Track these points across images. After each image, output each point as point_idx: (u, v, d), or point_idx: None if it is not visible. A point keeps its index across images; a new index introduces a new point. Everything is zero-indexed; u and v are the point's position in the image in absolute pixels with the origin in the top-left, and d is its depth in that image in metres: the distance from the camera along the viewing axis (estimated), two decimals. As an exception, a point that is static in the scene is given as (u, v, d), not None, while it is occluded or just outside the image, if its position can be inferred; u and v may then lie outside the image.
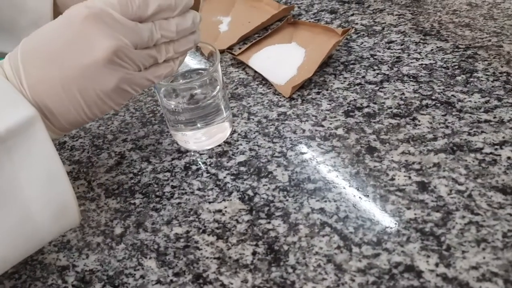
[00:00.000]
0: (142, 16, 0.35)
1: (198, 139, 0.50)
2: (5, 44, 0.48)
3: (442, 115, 0.50)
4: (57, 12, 0.50)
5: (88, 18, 0.33)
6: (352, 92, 0.55)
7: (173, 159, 0.50)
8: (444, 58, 0.58)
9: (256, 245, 0.40)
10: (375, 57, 0.60)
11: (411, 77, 0.56)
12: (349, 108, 0.53)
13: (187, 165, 0.49)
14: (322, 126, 0.51)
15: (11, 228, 0.32)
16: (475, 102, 0.51)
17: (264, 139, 0.51)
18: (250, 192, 0.45)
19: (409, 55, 0.60)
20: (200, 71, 0.53)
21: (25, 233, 0.33)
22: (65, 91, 0.34)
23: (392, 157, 0.46)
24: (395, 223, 0.40)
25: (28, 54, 0.34)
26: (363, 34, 0.65)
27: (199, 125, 0.49)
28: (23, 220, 0.32)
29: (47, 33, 0.34)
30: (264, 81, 0.60)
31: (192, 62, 0.57)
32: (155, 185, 0.48)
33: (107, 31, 0.33)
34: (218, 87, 0.48)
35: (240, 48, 0.67)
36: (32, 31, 0.47)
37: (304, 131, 0.51)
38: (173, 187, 0.47)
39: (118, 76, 0.35)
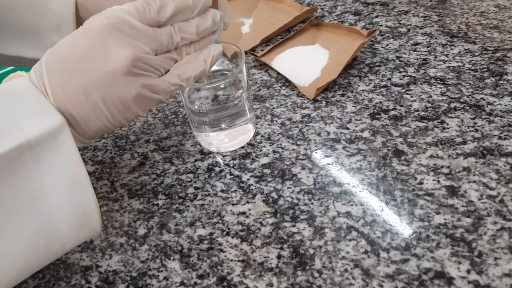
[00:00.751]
0: (160, 20, 0.35)
1: (222, 141, 0.50)
2: (27, 48, 0.49)
3: (471, 118, 0.48)
4: (78, 16, 0.50)
5: (106, 28, 0.33)
6: (378, 95, 0.54)
7: (196, 160, 0.50)
8: (472, 60, 0.57)
9: (281, 248, 0.40)
10: (401, 59, 0.59)
11: (438, 79, 0.55)
12: (375, 110, 0.52)
13: (210, 166, 0.49)
14: (348, 128, 0.50)
15: (35, 233, 0.32)
16: (505, 105, 0.49)
17: (288, 141, 0.50)
18: (274, 195, 0.45)
19: (436, 57, 0.58)
20: (224, 71, 0.53)
21: (47, 239, 0.33)
22: (88, 99, 0.34)
23: (420, 160, 0.45)
24: (424, 228, 0.39)
25: (52, 63, 0.35)
26: (388, 36, 0.64)
27: (223, 126, 0.48)
28: (47, 226, 0.33)
29: (68, 43, 0.35)
30: (287, 83, 0.59)
31: (215, 63, 0.56)
32: (178, 186, 0.47)
33: (126, 40, 0.33)
34: (242, 88, 0.48)
35: (262, 50, 0.66)
36: (53, 35, 0.47)
37: (328, 133, 0.50)
38: (196, 188, 0.47)
39: (139, 83, 0.35)
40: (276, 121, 0.53)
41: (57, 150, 0.32)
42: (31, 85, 0.34)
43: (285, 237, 0.41)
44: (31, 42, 0.49)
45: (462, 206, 0.40)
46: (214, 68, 0.54)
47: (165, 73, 0.37)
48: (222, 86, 0.48)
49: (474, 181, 0.42)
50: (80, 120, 0.35)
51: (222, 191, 0.46)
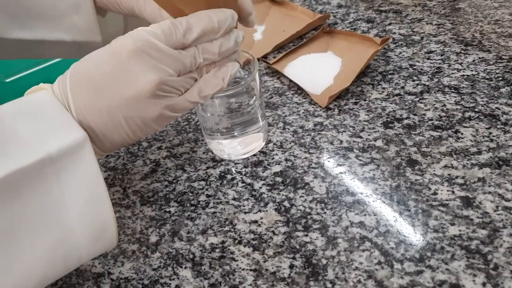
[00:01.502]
0: (185, 43, 0.35)
1: (234, 148, 0.50)
2: (48, 31, 0.48)
3: (486, 128, 0.48)
4: None
5: (134, 52, 0.33)
6: (391, 103, 0.54)
7: (208, 167, 0.50)
8: (486, 69, 0.56)
9: (294, 258, 0.39)
10: (414, 67, 0.59)
11: (452, 88, 0.54)
12: (388, 119, 0.52)
13: (222, 174, 0.49)
14: (360, 137, 0.50)
15: (53, 246, 0.32)
16: (521, 115, 0.49)
17: (300, 150, 0.50)
18: (286, 204, 0.44)
19: (449, 66, 0.58)
20: (237, 79, 0.53)
21: (65, 252, 0.33)
22: (111, 118, 0.35)
23: (434, 170, 0.45)
24: (439, 240, 0.39)
25: (76, 81, 0.35)
26: (401, 44, 0.64)
27: (235, 133, 0.48)
28: (65, 240, 0.33)
29: (94, 62, 0.35)
30: (299, 91, 0.59)
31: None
32: (190, 194, 0.47)
33: (151, 64, 0.34)
34: (255, 95, 0.48)
35: (274, 57, 0.66)
36: (74, 16, 0.46)
37: (341, 142, 0.50)
38: (208, 196, 0.47)
39: (162, 105, 0.35)
40: (289, 129, 0.53)
41: (78, 165, 0.33)
42: (54, 99, 0.34)
43: (298, 247, 0.40)
44: (51, 25, 0.47)
45: (478, 217, 0.40)
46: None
47: (185, 91, 0.37)
48: (235, 93, 0.48)
49: (490, 192, 0.42)
50: (101, 136, 0.36)
51: (234, 199, 0.46)
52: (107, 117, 0.35)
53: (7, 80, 0.68)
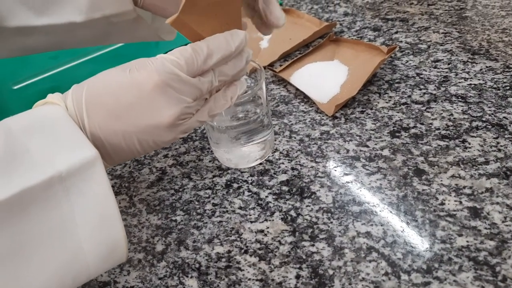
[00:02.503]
0: (205, 69, 0.35)
1: (240, 157, 0.50)
2: (74, 12, 0.45)
3: (494, 138, 0.48)
4: None
5: (158, 86, 0.34)
6: (398, 112, 0.54)
7: (214, 176, 0.50)
8: (494, 78, 0.56)
9: (300, 268, 0.39)
10: (421, 76, 0.59)
11: (459, 97, 0.54)
12: (395, 128, 0.51)
13: (228, 182, 0.49)
14: (367, 146, 0.50)
15: (62, 266, 0.32)
16: (529, 125, 0.48)
17: (306, 158, 0.50)
18: (292, 213, 0.44)
19: (457, 75, 0.58)
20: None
21: (74, 272, 0.33)
22: (125, 140, 0.35)
23: (441, 180, 0.44)
24: (446, 251, 0.38)
25: (93, 103, 0.35)
26: (408, 52, 0.64)
27: (242, 142, 0.48)
28: (74, 259, 0.32)
29: (115, 87, 0.35)
30: (305, 99, 0.59)
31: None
32: (196, 202, 0.47)
33: (175, 97, 0.34)
34: (261, 104, 0.48)
35: (281, 65, 0.67)
36: None
37: (348, 151, 0.50)
38: (214, 204, 0.47)
39: (177, 131, 0.36)
40: (295, 138, 0.53)
41: (89, 183, 0.32)
42: (68, 117, 0.34)
43: (304, 257, 0.40)
44: (77, 4, 0.45)
45: (485, 228, 0.39)
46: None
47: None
48: (241, 102, 0.48)
49: (498, 203, 0.41)
50: (112, 153, 0.36)
51: (240, 208, 0.46)
52: (122, 139, 0.35)
53: (15, 88, 0.68)
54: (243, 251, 0.42)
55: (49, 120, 0.33)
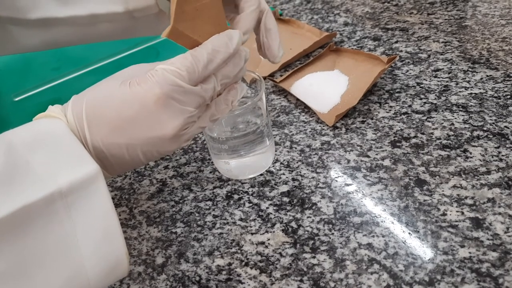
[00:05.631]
0: (206, 74, 0.35)
1: (240, 168, 0.50)
2: (97, 4, 0.45)
3: (495, 147, 0.47)
4: None
5: (160, 100, 0.33)
6: (399, 122, 0.53)
7: (214, 187, 0.50)
8: (495, 87, 0.56)
9: (301, 280, 0.39)
10: (422, 85, 0.59)
11: (460, 106, 0.54)
12: (396, 138, 0.51)
13: (229, 194, 0.49)
14: (368, 156, 0.50)
15: (63, 284, 0.31)
16: (530, 134, 0.48)
17: (307, 169, 0.50)
18: (293, 224, 0.44)
19: (457, 84, 0.58)
20: (243, 98, 0.53)
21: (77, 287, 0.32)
22: (129, 153, 0.35)
23: (443, 190, 0.44)
24: (449, 262, 0.38)
25: (94, 117, 0.34)
26: (408, 62, 0.64)
27: (242, 153, 0.48)
28: (76, 277, 0.32)
29: (116, 102, 0.34)
30: (306, 109, 0.59)
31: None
32: (197, 214, 0.47)
33: (177, 109, 0.34)
34: (261, 115, 0.48)
35: (281, 75, 0.67)
36: None
37: (349, 161, 0.50)
38: (214, 216, 0.46)
39: (181, 141, 0.36)
40: (296, 148, 0.53)
41: (90, 199, 0.32)
42: (69, 132, 0.33)
43: (305, 269, 0.40)
44: None
45: (488, 239, 0.39)
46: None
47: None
48: (241, 113, 0.48)
49: (500, 213, 0.41)
50: (115, 164, 0.36)
51: (241, 219, 0.46)
52: (125, 151, 0.35)
53: (16, 99, 0.68)
54: (243, 263, 0.41)
55: (50, 135, 0.33)
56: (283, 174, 0.50)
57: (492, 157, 0.46)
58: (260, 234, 0.44)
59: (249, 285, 0.39)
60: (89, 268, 0.32)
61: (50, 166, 0.31)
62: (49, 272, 0.31)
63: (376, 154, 0.50)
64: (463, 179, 0.45)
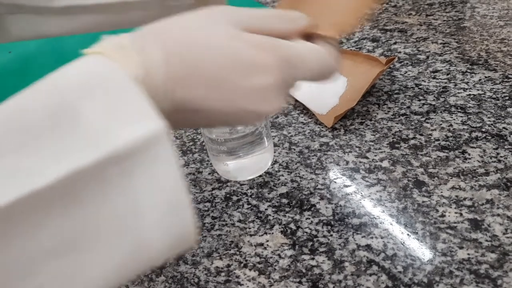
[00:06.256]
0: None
1: (239, 169, 0.50)
2: None
3: (494, 149, 0.48)
4: None
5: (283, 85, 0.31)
6: (397, 123, 0.53)
7: (213, 189, 0.50)
8: (493, 88, 0.56)
9: (300, 282, 0.39)
10: (420, 86, 0.59)
11: (459, 108, 0.54)
12: (394, 139, 0.51)
13: (228, 195, 0.49)
14: (367, 157, 0.50)
15: (122, 261, 0.27)
16: (528, 135, 0.48)
17: (306, 170, 0.50)
18: (292, 226, 0.44)
19: (456, 85, 0.58)
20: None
21: (137, 265, 0.27)
22: (215, 118, 0.30)
23: (441, 192, 0.44)
24: (447, 263, 0.38)
25: (185, 77, 0.28)
26: (407, 63, 0.64)
27: (241, 154, 0.48)
28: (140, 249, 0.27)
29: (209, 58, 0.29)
30: (305, 110, 0.59)
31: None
32: (195, 216, 0.47)
33: (286, 93, 0.32)
34: (260, 117, 0.47)
35: (280, 76, 0.67)
36: None
37: (347, 162, 0.50)
38: (213, 218, 0.46)
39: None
40: (294, 149, 0.53)
41: (154, 164, 0.26)
42: (128, 79, 0.27)
43: (304, 270, 0.40)
44: None
45: (486, 240, 0.39)
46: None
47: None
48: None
49: (498, 214, 0.41)
50: (185, 125, 0.31)
51: (240, 221, 0.46)
52: (223, 114, 0.30)
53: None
54: (242, 265, 0.41)
55: (107, 81, 0.27)
56: (282, 175, 0.50)
57: (491, 159, 0.47)
58: (259, 236, 0.44)
59: (247, 286, 0.39)
60: (154, 239, 0.27)
61: (104, 121, 0.25)
62: (105, 248, 0.26)
63: (375, 156, 0.50)
64: (461, 181, 0.45)
